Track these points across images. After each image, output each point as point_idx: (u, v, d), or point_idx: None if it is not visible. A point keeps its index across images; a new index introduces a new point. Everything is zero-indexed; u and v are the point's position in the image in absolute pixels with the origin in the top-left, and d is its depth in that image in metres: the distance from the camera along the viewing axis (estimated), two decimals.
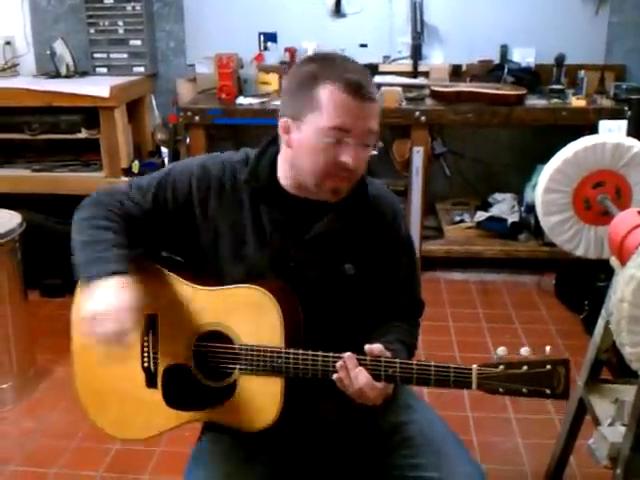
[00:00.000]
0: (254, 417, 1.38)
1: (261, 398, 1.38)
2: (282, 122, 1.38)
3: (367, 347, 1.32)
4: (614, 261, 1.68)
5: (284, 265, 1.44)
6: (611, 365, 2.23)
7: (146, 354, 1.44)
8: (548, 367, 1.24)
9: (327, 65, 1.34)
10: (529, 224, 3.70)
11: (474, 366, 1.29)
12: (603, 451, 1.68)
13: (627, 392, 1.80)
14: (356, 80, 1.30)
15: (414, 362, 1.33)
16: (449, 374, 1.31)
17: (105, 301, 1.28)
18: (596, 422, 1.80)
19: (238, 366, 1.38)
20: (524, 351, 1.27)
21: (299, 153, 1.36)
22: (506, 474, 2.25)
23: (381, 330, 1.47)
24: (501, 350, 1.29)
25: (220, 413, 1.41)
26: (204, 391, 1.41)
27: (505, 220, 3.72)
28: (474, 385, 1.29)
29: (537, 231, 3.58)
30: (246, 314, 1.39)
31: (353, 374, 1.31)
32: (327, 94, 1.30)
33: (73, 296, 1.46)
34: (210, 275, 1.46)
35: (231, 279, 1.43)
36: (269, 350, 1.36)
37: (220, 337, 1.41)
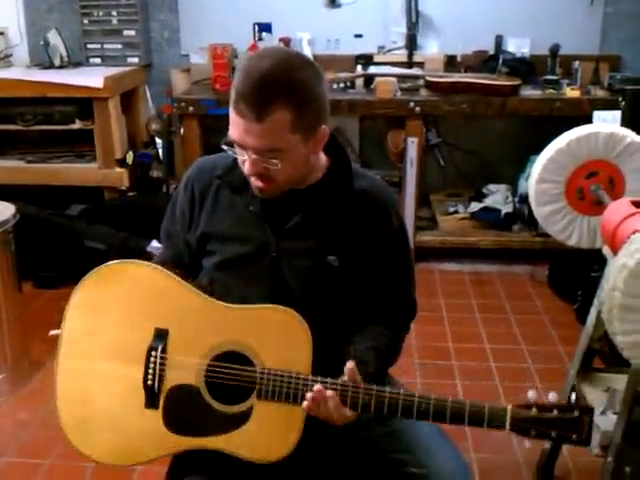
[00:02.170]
0: (270, 448, 1.29)
1: (279, 428, 1.29)
2: None
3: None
4: (607, 250, 1.69)
5: (266, 255, 1.42)
6: (603, 354, 2.24)
7: (151, 371, 1.34)
8: (576, 413, 1.25)
9: (242, 67, 1.29)
10: (523, 215, 3.70)
11: (509, 407, 1.27)
12: (595, 440, 1.69)
13: (619, 381, 1.81)
14: (241, 94, 1.25)
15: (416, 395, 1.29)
16: (483, 415, 1.27)
17: None
18: None
19: (256, 392, 1.30)
20: (552, 397, 1.30)
21: None
22: (499, 463, 2.26)
23: (359, 336, 1.45)
24: (531, 393, 1.30)
25: (228, 442, 1.29)
26: (213, 416, 1.31)
27: (499, 211, 3.72)
28: (507, 426, 1.26)
29: (531, 222, 3.58)
30: (272, 336, 1.31)
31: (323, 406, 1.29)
32: (230, 102, 1.29)
33: (68, 298, 1.40)
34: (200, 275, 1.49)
35: (216, 271, 1.45)
36: (294, 377, 1.29)
37: (238, 358, 1.32)
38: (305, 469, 1.45)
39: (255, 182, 1.35)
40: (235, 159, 1.42)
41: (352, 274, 1.44)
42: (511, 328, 3.10)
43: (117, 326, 1.37)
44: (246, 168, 1.33)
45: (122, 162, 3.71)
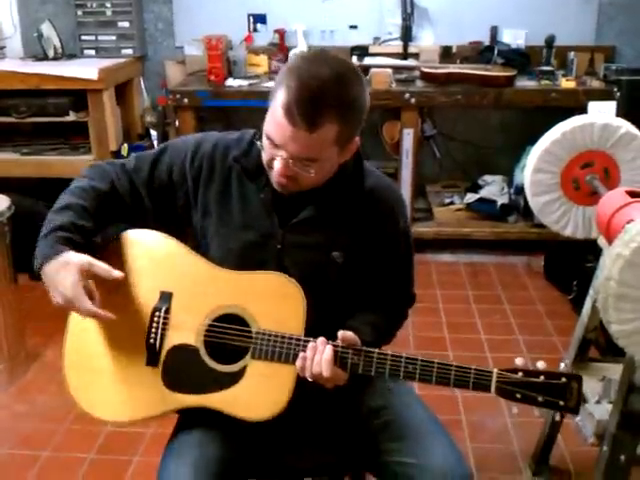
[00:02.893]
0: (260, 406, 1.33)
1: (270, 387, 1.34)
2: None
3: (341, 333, 1.32)
4: (602, 240, 1.69)
5: (270, 246, 1.43)
6: (598, 344, 2.25)
7: (154, 330, 1.39)
8: (563, 380, 1.26)
9: (296, 69, 1.27)
10: (518, 206, 3.72)
11: (495, 370, 1.28)
12: (590, 429, 1.71)
13: (614, 370, 1.82)
14: (296, 100, 1.24)
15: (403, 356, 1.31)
16: (469, 377, 1.29)
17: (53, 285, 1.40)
18: (583, 400, 1.81)
19: (251, 351, 1.35)
20: (540, 364, 1.30)
21: None
22: (495, 453, 2.28)
23: (357, 314, 1.46)
24: (519, 360, 1.30)
25: (222, 400, 1.35)
26: (208, 374, 1.36)
27: (495, 202, 3.73)
28: (493, 389, 1.27)
29: (526, 212, 3.59)
30: (269, 300, 1.37)
31: (318, 357, 1.31)
32: (277, 99, 1.27)
33: None
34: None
35: (218, 258, 1.43)
36: (287, 337, 1.33)
37: (236, 321, 1.37)
38: (302, 458, 1.48)
39: (279, 179, 1.34)
40: (250, 143, 1.44)
41: (355, 271, 1.45)
42: (507, 318, 3.11)
43: (127, 288, 1.42)
44: (276, 168, 1.32)
45: (117, 154, 3.69)
